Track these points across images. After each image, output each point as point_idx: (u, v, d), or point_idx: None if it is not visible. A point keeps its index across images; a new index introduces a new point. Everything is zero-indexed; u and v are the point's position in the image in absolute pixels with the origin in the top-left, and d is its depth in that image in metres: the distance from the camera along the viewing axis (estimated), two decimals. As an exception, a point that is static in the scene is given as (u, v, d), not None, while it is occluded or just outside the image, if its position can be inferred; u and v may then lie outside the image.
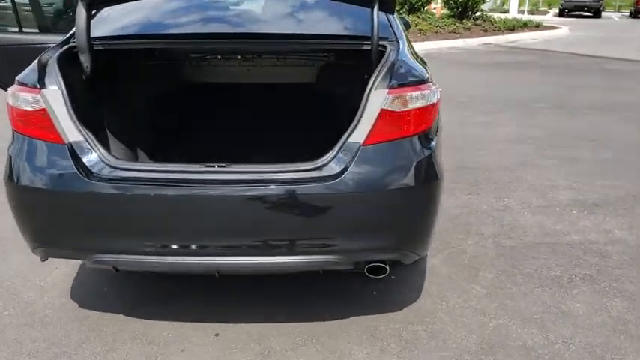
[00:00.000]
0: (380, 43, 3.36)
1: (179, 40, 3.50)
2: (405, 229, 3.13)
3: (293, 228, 3.05)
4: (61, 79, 3.14)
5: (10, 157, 3.17)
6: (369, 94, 3.07)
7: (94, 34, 3.44)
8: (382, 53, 3.36)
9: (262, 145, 4.22)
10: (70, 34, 3.62)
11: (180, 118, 4.59)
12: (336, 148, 3.06)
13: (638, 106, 9.79)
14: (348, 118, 4.01)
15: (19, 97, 3.13)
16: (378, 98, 3.04)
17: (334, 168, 3.02)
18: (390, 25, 3.64)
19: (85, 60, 3.39)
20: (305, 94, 4.46)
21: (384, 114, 3.03)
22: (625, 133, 8.01)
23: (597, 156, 6.88)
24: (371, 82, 3.08)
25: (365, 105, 3.06)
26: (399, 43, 3.46)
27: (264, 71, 4.22)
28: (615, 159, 6.76)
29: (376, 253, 3.16)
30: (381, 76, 3.09)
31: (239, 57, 4.03)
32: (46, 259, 3.35)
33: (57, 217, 3.12)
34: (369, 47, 3.40)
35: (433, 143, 3.16)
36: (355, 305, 3.71)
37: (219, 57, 4.19)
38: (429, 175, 3.10)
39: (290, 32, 3.59)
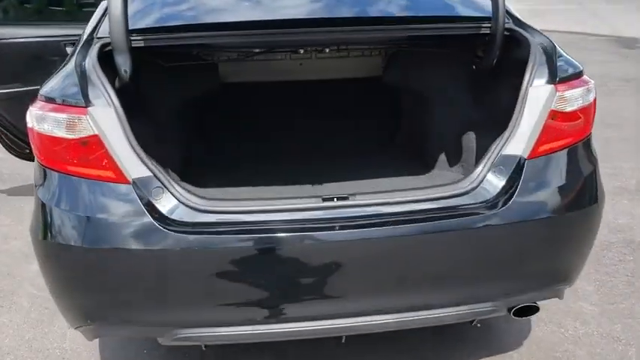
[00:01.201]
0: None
1: (239, 31, 2.64)
2: (574, 260, 2.52)
3: (443, 274, 2.36)
4: (111, 91, 2.25)
5: (43, 204, 2.24)
6: (526, 90, 2.40)
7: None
8: (509, 39, 2.71)
9: (333, 156, 3.46)
10: (90, 28, 2.68)
11: (229, 127, 3.71)
12: (486, 165, 2.39)
13: None
14: (439, 118, 3.36)
15: (53, 119, 2.20)
16: (541, 96, 2.38)
17: (489, 191, 2.35)
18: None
19: (123, 62, 2.48)
20: (371, 90, 3.73)
21: (553, 116, 2.37)
22: None
23: None
24: (528, 76, 2.42)
25: (523, 104, 2.39)
26: (522, 24, 2.80)
27: (320, 65, 3.42)
28: None
29: (540, 293, 2.53)
30: (537, 67, 2.43)
31: (302, 50, 3.19)
32: (96, 339, 2.45)
33: (121, 283, 2.25)
34: (487, 31, 2.73)
35: (595, 150, 2.56)
36: (464, 342, 3.08)
37: (268, 51, 3.35)
38: (598, 191, 2.50)
39: (384, 16, 2.82)
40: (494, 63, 2.82)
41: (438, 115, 3.38)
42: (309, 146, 3.63)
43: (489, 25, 2.73)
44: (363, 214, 2.29)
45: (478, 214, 2.30)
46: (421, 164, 3.47)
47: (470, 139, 3.21)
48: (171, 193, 2.25)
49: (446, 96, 3.33)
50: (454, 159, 3.34)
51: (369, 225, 2.25)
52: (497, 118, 3.04)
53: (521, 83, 2.49)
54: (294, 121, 3.76)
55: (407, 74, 3.37)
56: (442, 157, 3.40)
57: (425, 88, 3.37)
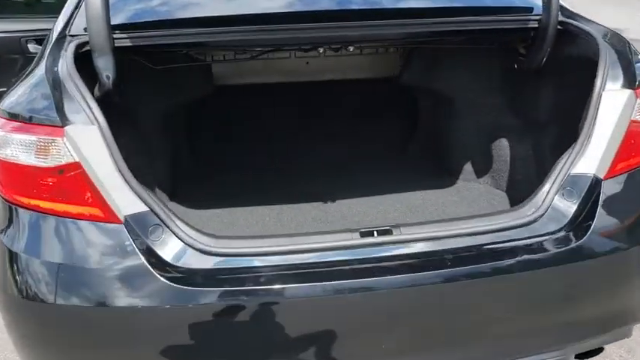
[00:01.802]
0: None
1: (244, 26, 2.16)
2: None
3: (507, 322, 1.95)
4: (93, 104, 1.77)
5: (10, 252, 1.75)
6: (599, 96, 1.99)
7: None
8: (562, 34, 2.31)
9: (349, 169, 3.02)
10: (62, 23, 2.18)
11: (227, 136, 3.23)
12: (553, 187, 1.98)
13: None
14: (465, 122, 2.96)
15: (19, 142, 1.71)
16: (618, 102, 1.99)
17: (557, 220, 1.95)
18: None
19: (105, 65, 2.00)
20: (387, 91, 3.29)
21: (634, 127, 1.98)
22: None
23: None
24: (600, 79, 2.01)
25: (595, 113, 1.99)
26: (574, 15, 2.40)
27: (329, 64, 2.96)
28: None
29: (612, 335, 2.14)
30: (610, 69, 2.03)
31: (321, 50, 2.72)
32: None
33: (112, 352, 1.77)
34: (534, 24, 2.32)
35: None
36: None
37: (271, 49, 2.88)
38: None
39: (409, 7, 2.39)
40: (543, 62, 2.41)
41: (464, 120, 2.97)
42: (319, 156, 3.18)
43: (537, 17, 2.32)
44: (410, 251, 1.86)
45: (547, 249, 1.89)
46: (444, 174, 3.06)
47: (502, 146, 2.82)
48: (173, 232, 1.78)
49: (474, 98, 2.92)
50: (483, 169, 2.94)
51: (420, 267, 1.82)
52: (540, 124, 2.65)
53: (583, 86, 2.09)
54: (300, 128, 3.31)
55: (429, 74, 2.95)
56: (468, 166, 3.00)
57: (450, 90, 2.95)
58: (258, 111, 3.33)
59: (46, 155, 1.69)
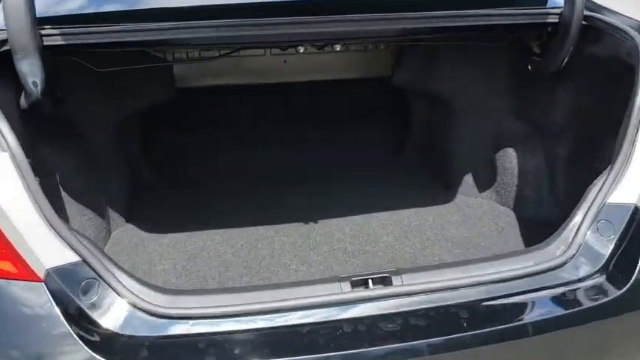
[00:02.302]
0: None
1: (205, 21, 1.74)
2: None
3: None
4: (3, 124, 1.36)
5: None
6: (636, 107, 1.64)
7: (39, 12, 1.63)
8: (587, 30, 1.94)
9: (332, 185, 2.64)
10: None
11: (190, 147, 2.83)
12: (585, 219, 1.62)
13: None
14: (466, 129, 2.58)
15: None
16: None
17: (590, 261, 1.59)
18: None
19: (30, 70, 1.59)
20: (377, 93, 2.91)
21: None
22: None
23: None
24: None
25: (636, 132, 1.63)
26: (600, 8, 2.03)
27: (310, 63, 2.55)
28: None
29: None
30: None
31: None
32: None
33: None
34: (554, 19, 1.96)
35: None
36: None
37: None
38: None
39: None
40: (563, 64, 2.04)
41: (464, 125, 2.61)
42: (300, 168, 2.80)
43: (558, 10, 1.95)
44: (416, 307, 1.48)
45: (580, 302, 1.53)
46: (442, 187, 2.70)
47: (508, 157, 2.46)
48: (113, 288, 1.38)
49: (476, 101, 2.56)
50: (486, 182, 2.58)
51: (428, 329, 1.45)
52: (554, 133, 2.30)
53: (611, 92, 1.74)
54: (278, 135, 2.91)
55: (425, 73, 2.56)
56: (469, 179, 2.63)
57: (448, 91, 2.57)
58: (229, 117, 2.93)
59: None
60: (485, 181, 2.60)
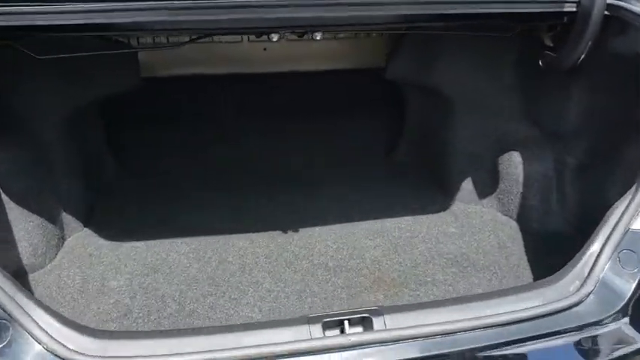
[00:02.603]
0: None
1: (161, 4, 1.45)
2: None
3: None
4: None
5: None
6: None
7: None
8: (609, 21, 1.67)
9: (314, 185, 2.38)
10: None
11: (155, 145, 2.57)
12: (602, 250, 1.37)
13: None
14: (467, 129, 2.31)
15: None
16: None
17: (610, 298, 1.33)
18: None
19: None
20: (368, 87, 2.63)
21: None
22: None
23: None
24: None
25: None
26: None
27: (292, 52, 2.25)
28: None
29: None
30: None
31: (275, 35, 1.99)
32: None
33: None
34: (572, 8, 1.68)
35: None
36: None
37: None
38: None
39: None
40: (580, 60, 1.77)
41: (464, 125, 2.34)
42: (278, 168, 2.54)
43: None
44: (401, 355, 1.23)
45: (597, 350, 1.28)
46: (438, 192, 2.44)
47: (513, 162, 2.20)
48: (28, 331, 1.12)
49: (479, 99, 2.29)
50: (487, 189, 2.32)
51: None
52: (565, 138, 2.04)
53: (635, 94, 1.47)
54: (255, 132, 2.64)
55: (423, 66, 2.28)
56: (468, 184, 2.37)
57: (448, 87, 2.31)
58: (201, 110, 2.65)
59: None
60: (487, 187, 2.35)
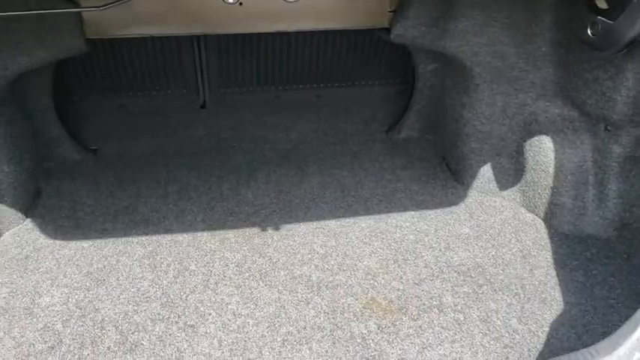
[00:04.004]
0: None
1: None
2: None
3: None
4: None
5: None
6: None
7: None
8: None
9: (303, 168, 2.02)
10: None
11: (111, 115, 2.21)
12: None
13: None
14: (488, 107, 1.89)
15: None
16: None
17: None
18: None
19: None
20: (368, 52, 2.21)
21: None
22: None
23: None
24: None
25: None
26: None
27: (274, 6, 1.81)
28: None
29: None
30: None
31: None
32: None
33: None
34: None
35: None
36: None
37: None
38: None
39: None
40: None
41: (486, 102, 1.93)
42: (257, 151, 2.16)
43: None
44: None
45: None
46: (450, 179, 2.05)
47: (542, 148, 1.81)
48: None
49: (504, 71, 1.86)
50: (509, 178, 1.94)
51: None
52: (611, 123, 1.62)
53: None
54: (228, 101, 2.23)
55: (437, 28, 1.84)
56: (486, 171, 1.98)
57: (467, 56, 1.87)
58: (166, 77, 2.24)
59: None
60: (508, 176, 1.96)
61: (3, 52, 1.64)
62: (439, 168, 2.14)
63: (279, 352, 1.38)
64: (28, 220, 1.84)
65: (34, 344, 1.39)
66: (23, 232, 1.79)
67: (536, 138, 1.85)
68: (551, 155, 1.80)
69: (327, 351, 1.38)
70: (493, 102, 1.91)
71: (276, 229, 1.80)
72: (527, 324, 1.46)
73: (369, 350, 1.38)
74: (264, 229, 1.80)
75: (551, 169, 1.80)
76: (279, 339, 1.42)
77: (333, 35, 2.21)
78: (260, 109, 2.34)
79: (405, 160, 2.18)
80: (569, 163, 1.78)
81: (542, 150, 1.83)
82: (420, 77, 2.18)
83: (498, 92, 1.90)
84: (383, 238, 1.75)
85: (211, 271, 1.63)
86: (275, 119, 2.32)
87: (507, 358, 1.37)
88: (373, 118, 2.35)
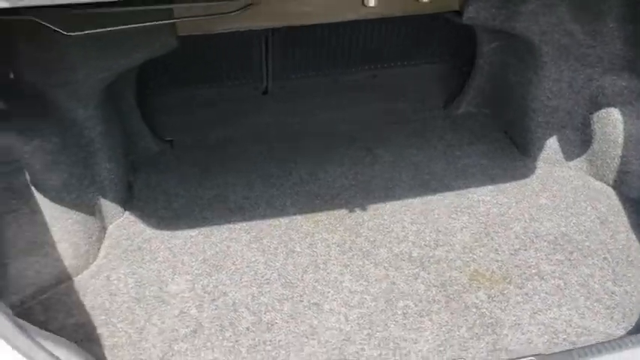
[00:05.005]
0: None
1: None
2: None
3: None
4: None
5: None
6: None
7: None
8: None
9: (369, 147, 2.12)
10: None
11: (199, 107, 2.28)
12: None
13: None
14: (555, 82, 1.99)
15: None
16: None
17: None
18: None
19: None
20: (440, 37, 2.29)
21: None
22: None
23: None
24: None
25: None
26: None
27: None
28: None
29: None
30: None
31: None
32: None
33: None
34: None
35: None
36: None
37: None
38: None
39: None
40: None
41: (554, 78, 2.03)
42: (327, 133, 2.25)
43: None
44: None
45: None
46: (516, 151, 2.16)
47: (610, 120, 1.94)
48: None
49: (572, 47, 1.96)
50: (574, 149, 2.06)
51: None
52: None
53: None
54: (304, 89, 2.32)
55: (509, 10, 1.93)
56: (552, 143, 2.10)
57: (536, 34, 1.97)
58: (241, 69, 2.32)
59: None
60: (574, 147, 2.08)
61: (107, 55, 1.72)
62: (503, 142, 2.24)
63: (404, 324, 1.51)
64: (127, 212, 1.94)
65: (176, 329, 1.51)
66: (126, 224, 1.89)
67: (603, 110, 1.96)
68: (620, 126, 1.91)
69: (447, 321, 1.51)
70: (560, 78, 2.01)
71: (364, 209, 1.91)
72: (621, 285, 1.60)
73: (485, 318, 1.51)
74: (352, 210, 1.91)
75: (620, 139, 1.92)
76: (399, 312, 1.54)
77: (395, 23, 2.28)
78: (320, 93, 2.41)
79: (469, 135, 2.28)
80: (638, 132, 1.89)
81: (610, 121, 1.94)
82: (480, 55, 2.26)
83: (565, 68, 2.00)
84: (469, 213, 1.87)
85: (316, 252, 1.74)
86: (336, 102, 2.41)
87: (612, 317, 1.50)
88: (429, 97, 2.45)
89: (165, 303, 1.59)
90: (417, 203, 1.92)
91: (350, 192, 1.99)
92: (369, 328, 1.50)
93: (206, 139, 2.28)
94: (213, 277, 1.66)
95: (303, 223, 1.86)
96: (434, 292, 1.59)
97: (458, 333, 1.48)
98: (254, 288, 1.63)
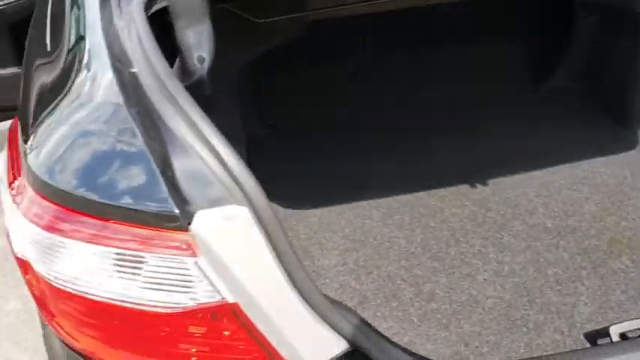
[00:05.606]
0: None
1: None
2: None
3: None
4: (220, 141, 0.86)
5: None
6: None
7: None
8: None
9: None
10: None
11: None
12: None
13: None
14: None
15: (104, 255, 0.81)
16: None
17: None
18: None
19: (198, 40, 1.08)
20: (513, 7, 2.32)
21: None
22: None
23: None
24: None
25: None
26: None
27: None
28: None
29: None
30: None
31: None
32: None
33: None
34: None
35: None
36: None
37: None
38: None
39: None
40: None
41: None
42: (439, 114, 2.27)
43: None
44: None
45: None
46: (617, 126, 2.22)
47: None
48: None
49: None
50: None
51: None
52: None
53: None
54: (395, 73, 2.34)
55: None
56: None
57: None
58: (338, 52, 2.33)
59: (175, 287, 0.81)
60: None
61: (250, 41, 1.76)
62: (599, 115, 2.30)
63: (559, 290, 1.58)
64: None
65: (343, 301, 1.57)
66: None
67: None
68: None
69: (599, 285, 1.59)
70: None
71: (484, 184, 1.97)
72: None
73: (636, 282, 1.59)
74: (473, 186, 1.97)
75: None
76: (551, 279, 1.62)
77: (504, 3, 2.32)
78: (404, 74, 2.42)
79: (563, 109, 2.34)
80: None
81: None
82: (577, 30, 2.31)
83: None
84: (589, 185, 1.94)
85: (451, 227, 1.81)
86: (425, 83, 2.42)
87: None
88: (517, 73, 2.48)
89: (323, 277, 1.66)
90: (536, 176, 1.98)
91: (465, 171, 2.03)
92: (528, 295, 1.57)
93: (306, 122, 2.31)
94: (360, 252, 1.73)
95: (428, 199, 1.92)
96: (579, 260, 1.67)
97: (614, 296, 1.56)
98: (403, 262, 1.69)
